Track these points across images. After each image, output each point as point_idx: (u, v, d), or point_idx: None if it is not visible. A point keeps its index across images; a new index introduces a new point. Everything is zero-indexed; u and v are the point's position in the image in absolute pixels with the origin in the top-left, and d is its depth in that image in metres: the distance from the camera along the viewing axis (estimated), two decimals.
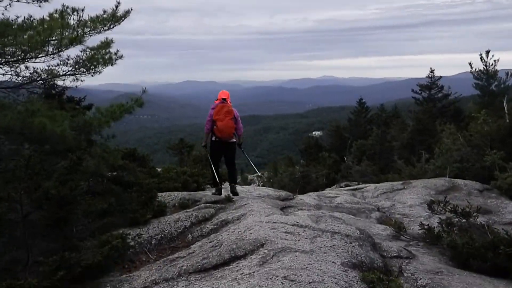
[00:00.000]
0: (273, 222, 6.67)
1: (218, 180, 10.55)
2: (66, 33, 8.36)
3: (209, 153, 10.53)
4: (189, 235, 7.62)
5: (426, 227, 8.08)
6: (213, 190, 10.88)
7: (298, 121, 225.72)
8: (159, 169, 14.65)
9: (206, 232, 7.53)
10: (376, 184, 19.07)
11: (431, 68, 42.24)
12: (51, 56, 7.97)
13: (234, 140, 10.30)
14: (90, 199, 7.35)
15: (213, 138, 10.12)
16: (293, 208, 9.24)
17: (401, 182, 18.97)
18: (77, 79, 9.57)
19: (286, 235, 5.96)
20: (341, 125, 48.51)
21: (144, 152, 12.24)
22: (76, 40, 7.73)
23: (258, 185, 23.61)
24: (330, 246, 5.64)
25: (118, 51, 10.08)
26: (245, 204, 8.76)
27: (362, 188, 18.57)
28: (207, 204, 9.27)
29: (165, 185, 10.68)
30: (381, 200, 15.58)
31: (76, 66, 9.67)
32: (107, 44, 9.96)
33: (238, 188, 13.51)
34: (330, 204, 14.03)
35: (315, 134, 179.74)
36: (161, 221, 8.02)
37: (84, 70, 9.89)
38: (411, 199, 14.98)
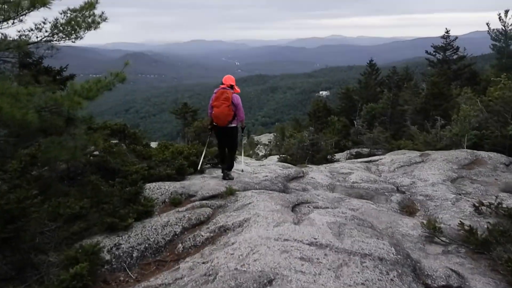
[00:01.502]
0: (284, 239, 5.25)
1: (221, 160, 10.79)
2: None
3: (212, 134, 10.84)
4: (180, 245, 6.14)
5: (467, 227, 6.70)
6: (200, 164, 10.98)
7: (306, 81, 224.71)
8: (154, 144, 13.23)
9: (200, 242, 6.06)
10: (392, 156, 17.75)
11: (446, 28, 40.34)
12: (10, 22, 6.50)
13: (233, 125, 10.18)
14: (55, 203, 5.99)
15: (214, 123, 10.18)
16: (307, 206, 7.67)
17: (419, 154, 17.68)
18: (52, 47, 8.19)
19: (302, 264, 4.55)
20: (350, 88, 46.87)
21: (136, 128, 10.71)
22: (39, 2, 6.24)
23: (265, 154, 22.30)
24: (362, 283, 4.26)
25: (103, 13, 8.69)
26: (249, 203, 7.27)
27: (377, 160, 17.28)
28: (203, 202, 7.77)
29: (156, 172, 9.05)
30: (399, 176, 14.30)
31: (55, 31, 8.30)
32: (90, 4, 8.52)
33: (246, 168, 12.39)
34: (345, 183, 12.73)
35: (322, 94, 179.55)
36: (146, 226, 6.51)
37: (63, 36, 8.51)
38: (433, 176, 13.69)
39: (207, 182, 9.39)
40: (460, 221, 7.26)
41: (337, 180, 13.25)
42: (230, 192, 8.27)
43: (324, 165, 17.41)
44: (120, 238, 6.20)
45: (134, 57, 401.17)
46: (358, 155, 26.40)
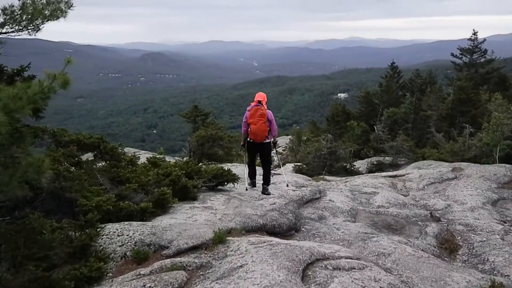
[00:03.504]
0: None
1: (253, 174, 11.10)
2: None
3: (246, 151, 11.01)
4: None
5: None
6: (247, 183, 11.05)
7: (324, 83, 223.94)
8: (144, 157, 11.30)
9: None
10: (420, 171, 15.80)
11: (474, 30, 37.97)
12: None
13: (268, 140, 10.54)
14: None
15: (248, 139, 10.47)
16: (325, 267, 5.50)
17: (450, 168, 15.79)
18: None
19: None
20: (370, 91, 44.75)
21: (117, 143, 8.69)
22: None
23: (279, 163, 20.38)
24: None
25: None
26: (241, 266, 5.08)
27: (403, 175, 15.38)
28: (177, 260, 5.52)
29: (126, 205, 6.80)
30: (431, 196, 12.38)
31: (10, 21, 6.62)
32: None
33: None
34: (369, 207, 10.79)
35: (340, 96, 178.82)
36: None
37: (18, 28, 6.80)
38: (470, 197, 11.77)
39: (194, 218, 7.29)
40: None
41: (360, 202, 11.34)
42: (220, 240, 6.07)
43: (344, 179, 15.49)
44: None
45: (152, 56, 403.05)
46: (379, 165, 24.48)
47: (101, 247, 5.53)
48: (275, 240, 6.17)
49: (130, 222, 6.59)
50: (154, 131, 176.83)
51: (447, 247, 8.51)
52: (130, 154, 11.91)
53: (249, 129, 10.29)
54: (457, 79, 33.17)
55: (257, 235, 6.85)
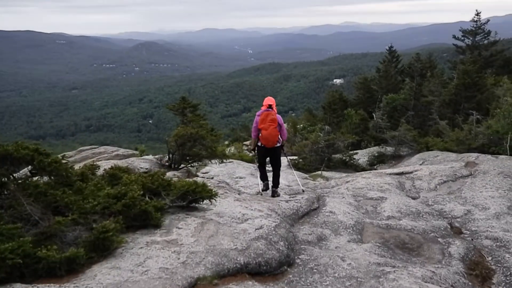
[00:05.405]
0: None
1: (265, 176, 11.14)
2: None
3: (256, 155, 11.27)
4: None
5: None
6: (262, 186, 11.21)
7: (319, 69, 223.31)
8: (103, 168, 9.26)
9: None
10: (430, 167, 14.04)
11: (476, 11, 36.13)
12: None
13: (279, 145, 10.64)
14: None
15: (259, 144, 10.62)
16: None
17: (463, 163, 14.06)
18: None
19: None
20: (368, 77, 42.96)
21: (58, 155, 6.69)
22: None
23: (289, 165, 18.43)
24: None
25: None
26: None
27: (411, 172, 13.64)
28: None
29: (44, 254, 4.40)
30: (445, 199, 10.66)
31: None
32: None
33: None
34: (377, 219, 8.98)
35: (336, 81, 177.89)
36: None
37: None
38: (492, 200, 10.05)
39: (146, 265, 4.91)
40: None
41: (365, 211, 9.57)
42: None
43: (345, 178, 13.71)
44: None
45: (147, 46, 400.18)
46: (380, 157, 22.85)
47: None
48: None
49: (50, 280, 4.34)
50: (150, 121, 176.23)
51: (478, 273, 6.76)
52: (91, 162, 10.17)
53: (260, 134, 10.36)
54: (461, 63, 31.46)
55: (234, 283, 4.92)
